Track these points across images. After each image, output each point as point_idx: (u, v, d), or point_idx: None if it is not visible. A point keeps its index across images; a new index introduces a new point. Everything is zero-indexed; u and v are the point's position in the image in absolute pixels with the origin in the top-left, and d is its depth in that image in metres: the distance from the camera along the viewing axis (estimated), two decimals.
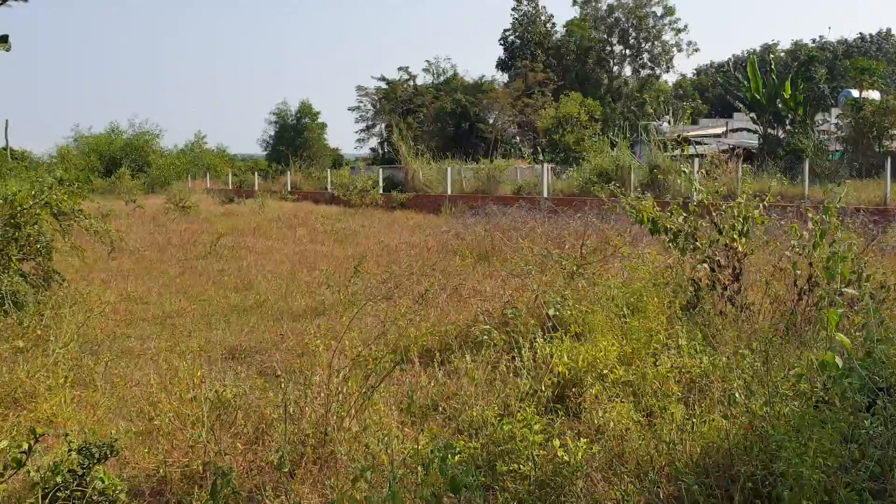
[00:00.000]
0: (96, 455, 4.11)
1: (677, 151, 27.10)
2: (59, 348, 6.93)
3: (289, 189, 40.66)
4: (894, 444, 3.71)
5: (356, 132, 66.97)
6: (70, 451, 4.13)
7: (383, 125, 63.69)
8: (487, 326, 7.27)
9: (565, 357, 5.88)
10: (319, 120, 64.62)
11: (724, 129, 44.80)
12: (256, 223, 22.99)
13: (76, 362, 6.95)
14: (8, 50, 2.54)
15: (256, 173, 48.22)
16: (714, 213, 7.92)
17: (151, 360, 7.58)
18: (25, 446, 3.65)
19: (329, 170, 41.95)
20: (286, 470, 4.26)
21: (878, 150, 28.96)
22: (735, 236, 7.66)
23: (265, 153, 65.91)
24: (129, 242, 15.78)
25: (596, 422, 5.13)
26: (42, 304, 8.23)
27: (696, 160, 22.95)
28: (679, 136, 30.13)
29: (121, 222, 21.94)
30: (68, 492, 3.94)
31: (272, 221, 23.71)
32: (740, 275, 7.72)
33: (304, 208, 30.06)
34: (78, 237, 10.70)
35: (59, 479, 3.99)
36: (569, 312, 7.28)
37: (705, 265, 7.74)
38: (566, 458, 4.37)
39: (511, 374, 6.19)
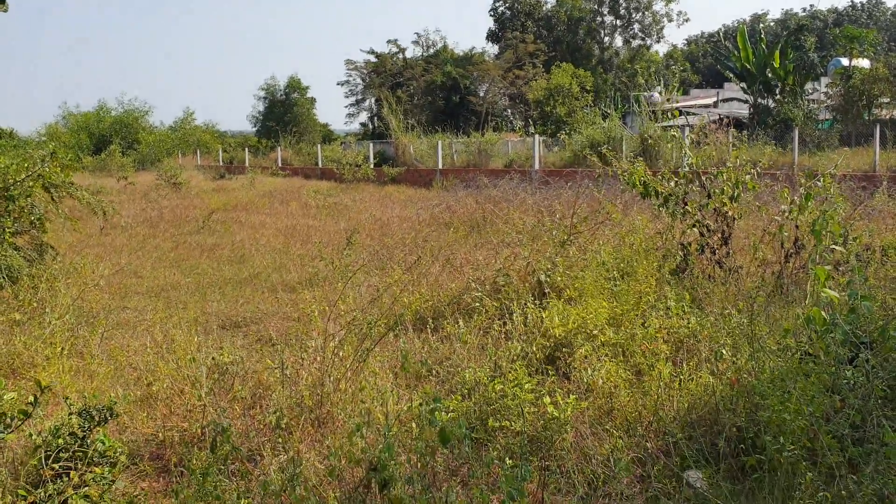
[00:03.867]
0: (96, 418, 4.18)
1: (669, 122, 27.11)
2: (55, 319, 6.98)
3: (279, 165, 40.53)
4: (875, 395, 3.81)
5: (346, 107, 66.50)
6: (70, 414, 4.20)
7: (373, 99, 63.24)
8: (479, 293, 7.36)
9: (556, 319, 5.96)
10: (308, 95, 64.09)
11: (715, 99, 44.76)
12: (248, 199, 22.97)
13: (72, 333, 7.01)
14: (6, 11, 2.52)
15: (247, 149, 47.99)
16: (704, 178, 8.00)
17: (147, 330, 7.64)
18: (31, 398, 3.72)
19: (319, 145, 41.79)
20: (283, 426, 4.35)
21: (867, 118, 29.03)
22: (725, 200, 7.74)
23: (255, 129, 65.40)
24: (121, 218, 15.78)
25: (585, 380, 5.23)
26: (36, 277, 8.26)
27: (687, 129, 22.96)
28: (671, 105, 30.13)
29: (112, 199, 21.90)
30: (70, 453, 4.02)
31: (263, 197, 23.68)
32: (729, 238, 7.82)
33: (295, 184, 30.02)
34: (70, 212, 10.71)
35: (60, 441, 4.06)
36: (559, 278, 7.37)
37: (695, 229, 7.83)
38: (556, 413, 4.48)
39: (502, 338, 6.29)
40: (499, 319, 6.72)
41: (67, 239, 12.88)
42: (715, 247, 7.77)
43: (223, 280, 10.56)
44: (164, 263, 12.02)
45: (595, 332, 5.79)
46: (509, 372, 5.18)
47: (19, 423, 3.72)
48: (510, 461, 3.93)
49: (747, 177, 7.62)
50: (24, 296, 7.71)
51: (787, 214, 7.32)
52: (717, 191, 7.82)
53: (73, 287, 8.53)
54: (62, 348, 6.47)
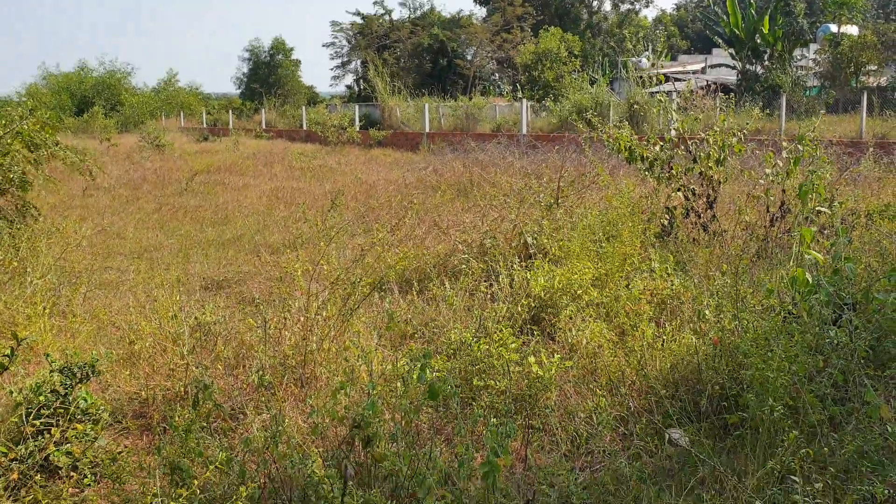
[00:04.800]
0: (78, 375, 4.15)
1: (656, 88, 26.98)
2: (36, 279, 6.90)
3: (263, 127, 40.11)
4: (857, 356, 3.84)
5: (331, 69, 65.62)
6: (51, 371, 4.16)
7: (359, 62, 62.49)
8: (466, 255, 7.34)
9: (542, 279, 5.96)
10: (293, 57, 63.25)
11: (703, 64, 44.57)
12: (232, 161, 22.75)
13: (54, 293, 6.94)
14: None
15: (231, 112, 47.39)
16: (689, 143, 7.97)
17: (130, 290, 7.59)
18: (9, 351, 3.68)
19: (304, 107, 41.34)
20: (266, 384, 4.33)
21: (854, 85, 29.04)
22: (711, 164, 7.73)
23: (239, 91, 64.55)
24: (104, 179, 15.60)
25: (570, 340, 5.24)
26: (17, 237, 8.15)
27: (674, 94, 22.87)
28: (659, 70, 29.95)
29: (95, 160, 21.62)
30: (51, 410, 3.98)
31: (248, 159, 23.46)
32: (714, 202, 7.82)
33: (280, 146, 29.74)
34: (52, 173, 10.55)
35: (41, 398, 4.03)
36: (546, 240, 7.35)
37: (680, 193, 7.83)
38: (540, 372, 4.49)
39: (488, 300, 6.28)
40: (485, 281, 6.71)
41: (49, 200, 12.72)
42: (700, 211, 7.77)
43: (206, 242, 10.48)
44: (146, 225, 11.91)
45: (580, 292, 5.79)
46: (495, 332, 5.18)
47: None
48: (495, 419, 3.94)
49: (734, 139, 7.59)
50: (5, 255, 7.60)
51: (772, 178, 7.33)
52: (702, 155, 7.81)
53: (54, 247, 8.42)
54: (44, 307, 6.40)
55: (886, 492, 2.59)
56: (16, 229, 8.40)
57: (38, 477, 3.60)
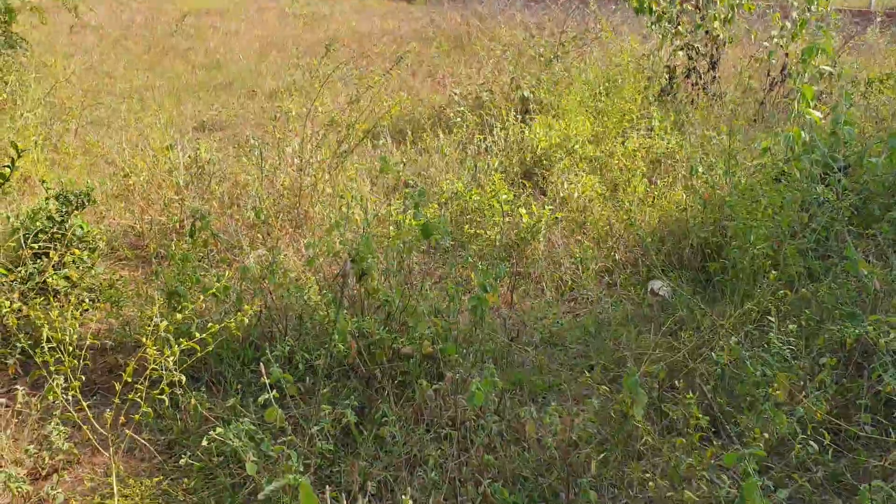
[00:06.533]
0: (73, 203, 4.18)
1: None
2: (27, 112, 6.80)
3: None
4: (842, 215, 3.91)
5: None
6: (47, 199, 4.18)
7: None
8: (461, 108, 7.26)
9: (539, 132, 5.93)
10: None
11: None
12: (222, 5, 21.88)
13: (46, 127, 6.86)
14: None
15: None
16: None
17: (122, 128, 7.51)
18: (8, 162, 3.70)
19: None
20: (263, 218, 4.39)
21: None
22: (717, 23, 7.53)
23: None
24: (91, 17, 15.05)
25: (561, 193, 5.28)
26: (4, 69, 7.94)
27: None
28: None
29: None
30: (48, 236, 4.04)
31: (238, 4, 22.59)
32: (717, 63, 7.68)
33: None
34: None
35: (38, 224, 4.07)
36: (543, 94, 7.25)
37: (683, 52, 7.67)
38: (530, 221, 4.56)
39: (482, 152, 6.27)
40: (479, 134, 6.67)
41: (34, 36, 12.31)
42: (702, 71, 7.65)
43: (198, 84, 10.29)
44: (136, 65, 11.61)
45: (575, 146, 5.77)
46: (487, 185, 5.21)
47: (1, 184, 3.71)
48: (484, 264, 4.04)
49: None
50: None
51: (776, 41, 7.18)
52: (710, 12, 7.59)
53: (43, 82, 8.24)
54: (35, 141, 6.34)
55: (856, 332, 2.71)
56: (3, 62, 8.17)
57: (38, 299, 3.69)
